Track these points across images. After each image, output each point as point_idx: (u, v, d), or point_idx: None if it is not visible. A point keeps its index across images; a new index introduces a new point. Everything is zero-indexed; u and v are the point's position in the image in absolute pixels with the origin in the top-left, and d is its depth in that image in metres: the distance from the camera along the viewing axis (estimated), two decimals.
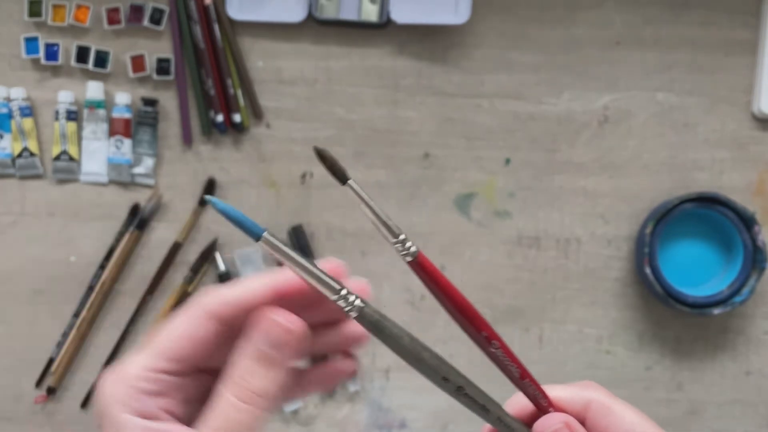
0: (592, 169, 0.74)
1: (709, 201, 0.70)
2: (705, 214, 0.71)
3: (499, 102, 0.74)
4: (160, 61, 0.73)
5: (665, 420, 0.74)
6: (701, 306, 0.69)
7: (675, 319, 0.74)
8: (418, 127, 0.74)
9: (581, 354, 0.74)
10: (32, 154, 0.73)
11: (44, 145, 0.73)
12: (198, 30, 0.72)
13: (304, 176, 0.73)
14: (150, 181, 0.73)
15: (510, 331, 0.74)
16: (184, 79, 0.73)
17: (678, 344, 0.74)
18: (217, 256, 0.73)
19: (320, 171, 0.73)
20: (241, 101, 0.73)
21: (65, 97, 0.72)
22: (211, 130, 0.73)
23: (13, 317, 0.74)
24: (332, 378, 0.36)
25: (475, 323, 0.33)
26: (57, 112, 0.72)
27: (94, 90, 0.72)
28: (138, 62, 0.72)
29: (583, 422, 0.35)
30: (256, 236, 0.29)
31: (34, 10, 0.72)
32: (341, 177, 0.30)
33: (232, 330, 0.32)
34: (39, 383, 0.73)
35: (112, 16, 0.72)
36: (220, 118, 0.72)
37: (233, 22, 0.73)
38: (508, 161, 0.74)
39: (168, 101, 0.73)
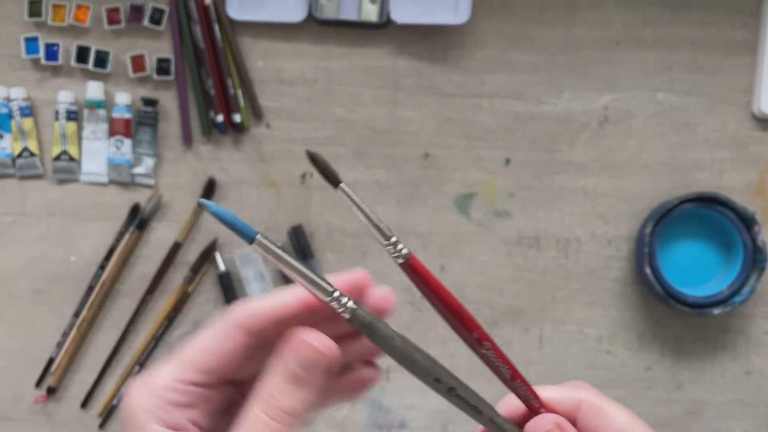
0: (592, 169, 0.74)
1: (709, 201, 0.70)
2: (705, 214, 0.71)
3: (499, 102, 0.74)
4: (160, 61, 0.73)
5: (665, 420, 0.74)
6: (701, 306, 0.69)
7: (675, 319, 0.74)
8: (418, 127, 0.74)
9: (581, 354, 0.74)
10: (32, 154, 0.73)
11: (44, 145, 0.73)
12: (198, 30, 0.72)
13: (304, 176, 0.73)
14: (150, 181, 0.73)
15: (510, 331, 0.74)
16: (184, 79, 0.73)
17: (678, 344, 0.74)
18: (217, 256, 0.73)
19: None
20: (241, 101, 0.73)
21: (65, 97, 0.72)
22: (211, 130, 0.73)
23: (13, 317, 0.74)
24: (356, 387, 0.36)
25: (467, 324, 0.33)
26: (57, 112, 0.72)
27: (94, 90, 0.72)
28: (138, 62, 0.72)
29: (574, 422, 0.35)
30: (250, 239, 0.30)
31: (34, 10, 0.72)
32: (333, 180, 0.30)
33: (260, 342, 0.33)
34: (39, 383, 0.73)
35: (112, 16, 0.72)
36: (220, 118, 0.72)
37: (233, 22, 0.73)
38: (508, 161, 0.74)
39: (168, 101, 0.73)
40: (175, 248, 0.73)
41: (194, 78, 0.72)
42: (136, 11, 0.72)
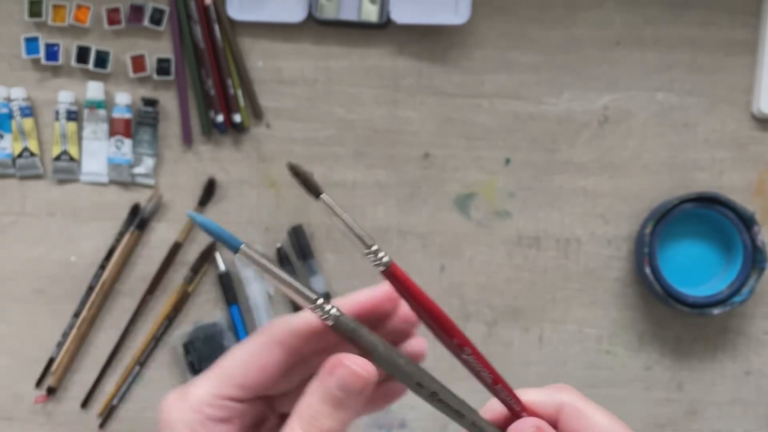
0: (592, 169, 0.74)
1: (708, 201, 0.70)
2: (705, 214, 0.71)
3: (499, 102, 0.74)
4: (160, 61, 0.73)
5: (665, 420, 0.74)
6: (701, 306, 0.69)
7: (675, 319, 0.74)
8: (418, 127, 0.74)
9: (581, 354, 0.74)
10: (32, 154, 0.73)
11: (44, 145, 0.74)
12: (198, 30, 0.72)
13: None
14: (150, 181, 0.73)
15: (510, 331, 0.74)
16: (185, 79, 0.73)
17: (678, 344, 0.74)
18: (217, 256, 0.73)
19: (320, 171, 0.73)
20: (241, 101, 0.73)
21: (65, 97, 0.72)
22: (211, 130, 0.73)
23: (13, 317, 0.74)
24: (386, 399, 0.36)
25: (447, 330, 0.34)
26: (57, 112, 0.72)
27: (94, 90, 0.72)
28: (138, 62, 0.72)
29: (555, 425, 0.35)
30: (234, 249, 0.30)
31: (35, 10, 0.72)
32: (315, 191, 0.31)
33: (297, 359, 0.33)
34: (39, 383, 0.73)
35: (113, 16, 0.72)
36: (220, 118, 0.72)
37: (233, 22, 0.73)
38: (508, 161, 0.74)
39: (168, 101, 0.73)
40: (175, 248, 0.73)
41: (194, 78, 0.72)
42: (136, 11, 0.72)
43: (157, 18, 0.72)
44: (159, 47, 0.73)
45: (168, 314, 0.73)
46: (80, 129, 0.73)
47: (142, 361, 0.73)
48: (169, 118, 0.74)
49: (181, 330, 0.73)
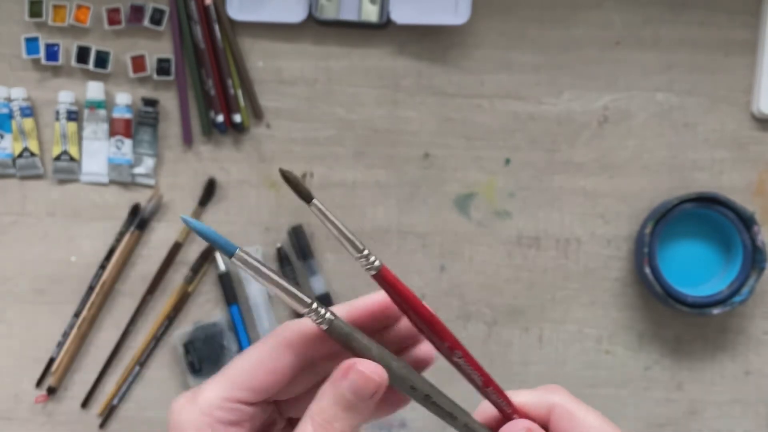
0: (592, 169, 0.74)
1: (708, 201, 0.70)
2: (704, 214, 0.71)
3: (499, 102, 0.74)
4: (160, 61, 0.73)
5: (665, 420, 0.74)
6: (701, 306, 0.69)
7: (675, 319, 0.74)
8: (418, 127, 0.74)
9: (581, 354, 0.74)
10: (33, 154, 0.73)
11: (45, 145, 0.74)
12: (198, 30, 0.72)
13: (304, 176, 0.73)
14: (150, 181, 0.74)
15: (510, 331, 0.74)
16: (185, 80, 0.73)
17: (678, 344, 0.74)
18: (217, 256, 0.73)
19: (320, 171, 0.73)
20: (242, 101, 0.73)
21: (66, 97, 0.72)
22: (211, 130, 0.73)
23: (13, 317, 0.74)
24: (396, 403, 0.37)
25: (438, 333, 0.34)
26: (57, 113, 0.72)
27: (94, 90, 0.72)
28: (138, 62, 0.72)
29: (546, 426, 0.36)
30: (229, 254, 0.30)
31: (35, 10, 0.72)
32: (306, 196, 0.31)
33: (307, 362, 0.33)
34: (39, 383, 0.74)
35: (113, 16, 0.72)
36: (220, 118, 0.72)
37: (233, 23, 0.73)
38: (508, 161, 0.74)
39: (168, 101, 0.73)
40: (176, 248, 0.73)
41: (194, 78, 0.72)
42: (137, 11, 0.72)
43: (157, 18, 0.72)
44: (159, 47, 0.73)
45: (168, 314, 0.73)
46: (80, 129, 0.73)
47: (143, 361, 0.73)
48: (169, 118, 0.74)
49: (181, 330, 0.73)
